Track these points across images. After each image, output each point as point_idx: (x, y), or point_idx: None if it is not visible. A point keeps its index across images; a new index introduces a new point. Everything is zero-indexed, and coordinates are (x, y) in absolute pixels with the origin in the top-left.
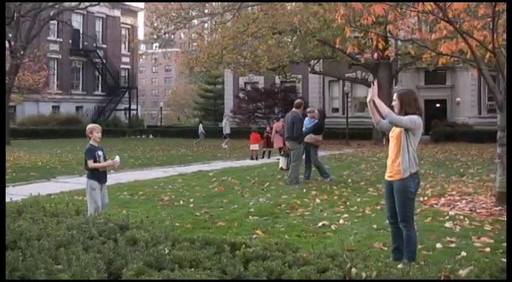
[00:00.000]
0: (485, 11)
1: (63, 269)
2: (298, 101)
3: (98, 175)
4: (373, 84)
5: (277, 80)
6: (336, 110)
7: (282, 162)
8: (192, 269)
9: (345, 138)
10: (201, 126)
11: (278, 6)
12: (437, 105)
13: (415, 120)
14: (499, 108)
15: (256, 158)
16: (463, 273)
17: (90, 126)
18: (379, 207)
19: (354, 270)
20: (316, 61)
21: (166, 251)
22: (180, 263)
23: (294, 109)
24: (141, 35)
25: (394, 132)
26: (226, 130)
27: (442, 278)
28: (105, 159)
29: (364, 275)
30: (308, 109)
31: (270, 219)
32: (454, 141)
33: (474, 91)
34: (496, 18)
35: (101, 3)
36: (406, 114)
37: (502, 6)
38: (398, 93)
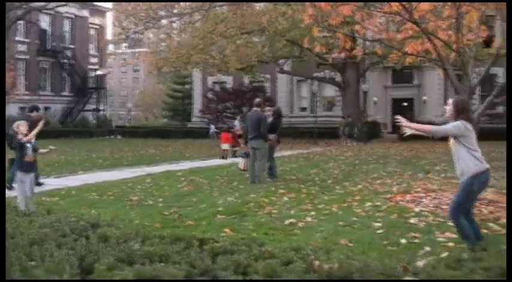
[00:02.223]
0: (450, 12)
1: (37, 265)
2: (258, 99)
3: (26, 167)
4: (399, 120)
5: (246, 80)
6: (304, 109)
7: (241, 162)
8: (162, 263)
9: (313, 137)
10: (212, 126)
11: (246, 6)
12: (405, 104)
13: (458, 125)
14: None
15: (226, 158)
16: (420, 264)
17: (16, 122)
18: (345, 205)
19: (316, 262)
20: (284, 61)
21: (137, 247)
22: (150, 258)
23: (255, 108)
24: (109, 35)
25: (450, 140)
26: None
27: (401, 269)
28: (34, 151)
29: (326, 266)
30: (265, 108)
31: (238, 218)
32: (421, 140)
33: (441, 90)
34: (461, 19)
35: (69, 3)
36: (456, 119)
37: (465, 8)
38: (454, 99)
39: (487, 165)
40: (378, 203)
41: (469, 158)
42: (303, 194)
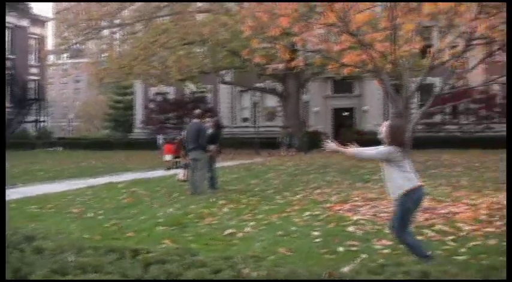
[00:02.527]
0: (386, 24)
1: None
2: (198, 111)
3: None
4: (326, 140)
5: (188, 91)
6: (245, 119)
7: (181, 173)
8: (96, 274)
9: (255, 148)
10: (160, 137)
11: (189, 16)
12: (345, 113)
13: (384, 152)
14: (398, 117)
15: (170, 169)
16: (345, 270)
17: None
18: (285, 215)
19: (245, 270)
20: (226, 71)
21: (72, 258)
22: (84, 269)
23: (194, 119)
24: (50, 46)
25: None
26: None
27: (327, 276)
28: None
29: (255, 274)
30: (205, 119)
31: (179, 229)
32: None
33: (380, 99)
34: (396, 31)
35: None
36: (390, 143)
37: (400, 20)
38: (389, 124)
39: (419, 183)
40: (317, 212)
41: (399, 176)
42: (243, 205)
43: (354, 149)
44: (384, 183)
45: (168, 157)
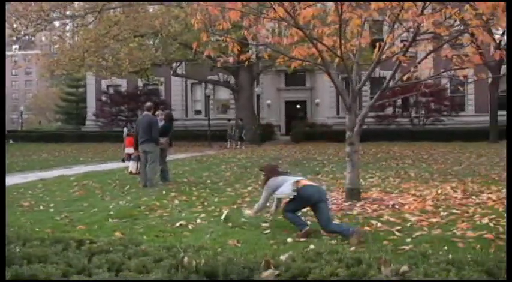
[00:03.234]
0: (333, 19)
1: None
2: (148, 104)
3: None
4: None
5: (140, 83)
6: (198, 112)
7: (132, 166)
8: (40, 264)
9: (208, 140)
10: (125, 129)
11: (140, 8)
12: (298, 106)
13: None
14: (347, 110)
15: (124, 161)
16: (283, 257)
17: None
18: (235, 207)
19: (186, 259)
20: (178, 64)
21: (17, 250)
22: (29, 259)
23: (146, 112)
24: None
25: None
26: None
27: (263, 263)
28: None
29: (194, 262)
30: (157, 112)
31: (130, 221)
32: (313, 141)
33: (332, 92)
34: (344, 26)
35: None
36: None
37: (348, 15)
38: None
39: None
40: (267, 204)
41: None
42: (194, 197)
43: (257, 207)
44: None
45: (129, 150)
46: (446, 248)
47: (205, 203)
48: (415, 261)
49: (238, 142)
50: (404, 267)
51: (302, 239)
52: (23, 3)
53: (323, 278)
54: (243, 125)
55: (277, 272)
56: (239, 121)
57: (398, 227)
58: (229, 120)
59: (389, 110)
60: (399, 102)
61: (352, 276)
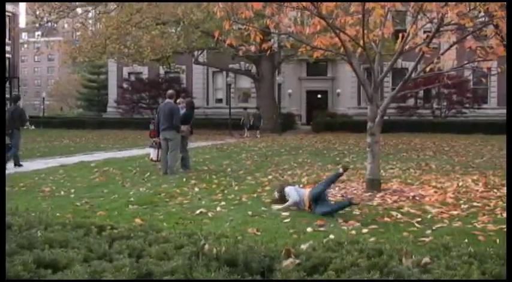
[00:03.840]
0: (356, 9)
1: None
2: (170, 91)
3: None
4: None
5: (162, 71)
6: (219, 100)
7: (152, 153)
8: (62, 248)
9: (228, 129)
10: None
11: None
12: (319, 96)
13: (290, 194)
14: (369, 100)
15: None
16: (304, 247)
17: None
18: (255, 195)
19: (206, 246)
20: (200, 52)
21: (39, 234)
22: (51, 244)
23: (168, 99)
24: (22, 23)
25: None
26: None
27: (284, 252)
28: None
29: (214, 250)
30: (178, 100)
31: (150, 208)
32: (333, 131)
33: (354, 83)
34: (367, 15)
35: None
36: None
37: (371, 5)
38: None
39: None
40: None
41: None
42: (214, 185)
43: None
44: None
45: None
46: (466, 240)
47: (225, 191)
48: (436, 253)
49: (257, 131)
50: (426, 259)
51: (322, 229)
52: None
53: (344, 267)
54: (259, 114)
55: (297, 261)
56: (256, 110)
57: (419, 219)
58: (245, 109)
59: (411, 101)
60: (421, 93)
61: (373, 267)
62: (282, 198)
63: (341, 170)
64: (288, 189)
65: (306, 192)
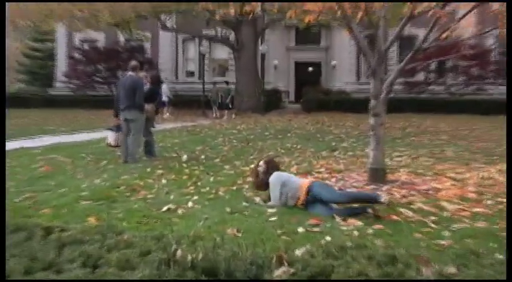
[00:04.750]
0: None
1: None
2: (133, 62)
3: None
4: None
5: (122, 38)
6: (191, 74)
7: (110, 137)
8: None
9: (202, 108)
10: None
11: None
12: (310, 68)
13: (273, 185)
14: (371, 74)
15: None
16: (299, 252)
17: None
18: (235, 188)
19: (179, 252)
20: (168, 16)
21: None
22: None
23: (130, 72)
24: None
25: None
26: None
27: (275, 259)
28: None
29: (189, 257)
30: (141, 73)
31: (107, 204)
32: (328, 111)
33: (353, 53)
34: None
35: None
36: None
37: None
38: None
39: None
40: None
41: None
42: (185, 175)
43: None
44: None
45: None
46: (493, 244)
47: (199, 183)
48: (463, 261)
49: (228, 111)
50: (452, 269)
51: (316, 229)
52: None
53: (349, 278)
54: (229, 89)
55: (292, 270)
56: (226, 84)
57: (434, 218)
58: (214, 83)
59: (421, 76)
60: (433, 66)
61: (386, 277)
62: (264, 183)
63: (383, 200)
64: (277, 178)
65: (304, 185)
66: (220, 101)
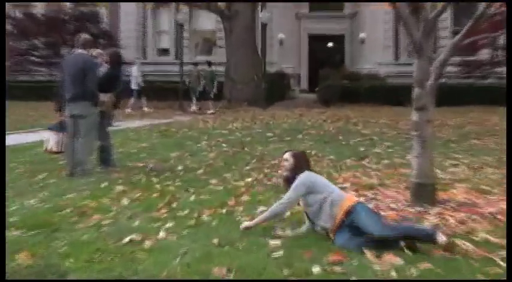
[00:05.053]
0: None
1: None
2: (83, 36)
3: None
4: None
5: (68, 4)
6: (164, 52)
7: (51, 140)
8: None
9: (179, 99)
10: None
11: None
12: (330, 44)
13: (302, 184)
14: (415, 52)
15: None
16: None
17: None
18: (224, 211)
19: None
20: None
21: None
22: None
23: (79, 50)
24: None
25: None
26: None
27: None
28: None
29: None
30: (95, 51)
31: (44, 234)
32: (354, 103)
33: (389, 23)
34: None
35: None
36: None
37: None
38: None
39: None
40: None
41: (327, 204)
42: (155, 193)
43: (266, 215)
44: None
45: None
46: None
47: (174, 205)
48: None
49: (211, 102)
50: None
51: (337, 269)
52: None
53: None
54: (213, 73)
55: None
56: (208, 66)
57: (503, 252)
58: (194, 64)
59: (484, 54)
60: (502, 40)
61: None
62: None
63: (441, 240)
64: (306, 178)
65: (348, 201)
66: (203, 89)
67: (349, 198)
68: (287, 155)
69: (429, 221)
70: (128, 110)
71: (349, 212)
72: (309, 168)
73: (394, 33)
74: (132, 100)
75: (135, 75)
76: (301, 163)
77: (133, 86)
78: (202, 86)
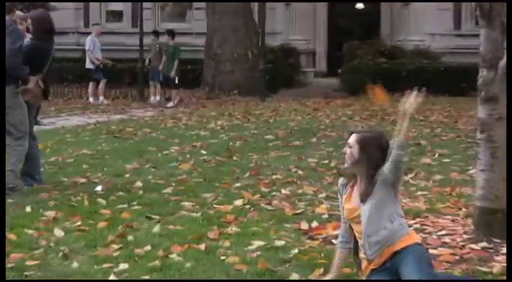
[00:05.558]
0: None
1: None
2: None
3: None
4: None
5: None
6: (116, 16)
7: None
8: None
9: (138, 84)
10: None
11: None
12: (359, 5)
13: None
14: (482, 17)
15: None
16: None
17: None
18: (203, 247)
19: None
20: None
21: None
22: None
23: None
24: None
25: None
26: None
27: None
28: None
29: None
30: (14, 15)
31: None
32: (394, 92)
33: None
34: None
35: None
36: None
37: None
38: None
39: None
40: (281, 242)
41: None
42: (101, 221)
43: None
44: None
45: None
46: None
47: (130, 238)
48: None
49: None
50: None
51: None
52: None
53: None
54: (176, 49)
55: None
56: (170, 38)
57: None
58: (155, 33)
59: None
60: None
61: None
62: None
63: None
64: None
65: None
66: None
67: (411, 233)
68: (351, 139)
69: (497, 265)
70: (90, 100)
71: (398, 251)
72: (383, 160)
73: None
74: (90, 86)
75: (92, 49)
76: (372, 152)
77: (88, 66)
78: (162, 66)
